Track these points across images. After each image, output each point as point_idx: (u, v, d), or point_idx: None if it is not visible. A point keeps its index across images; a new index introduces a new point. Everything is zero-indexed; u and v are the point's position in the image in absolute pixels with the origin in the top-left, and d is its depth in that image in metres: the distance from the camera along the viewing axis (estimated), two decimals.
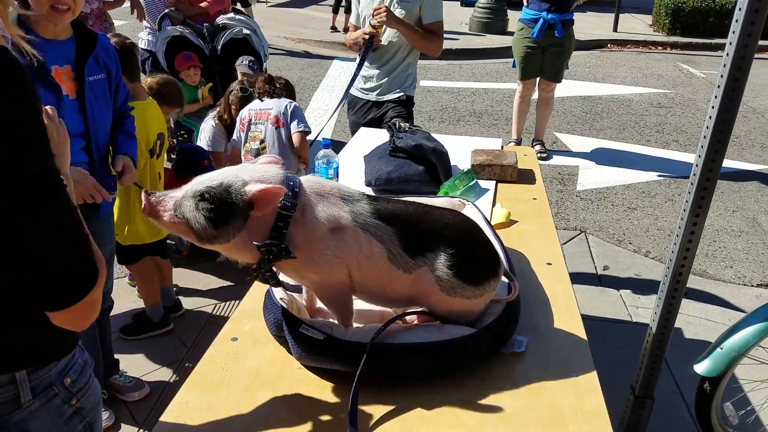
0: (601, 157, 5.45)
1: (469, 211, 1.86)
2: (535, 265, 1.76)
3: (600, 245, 4.01)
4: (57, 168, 0.83)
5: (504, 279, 1.52)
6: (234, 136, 3.43)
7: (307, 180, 1.25)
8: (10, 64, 0.78)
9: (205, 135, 3.62)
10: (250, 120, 3.31)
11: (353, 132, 3.22)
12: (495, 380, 1.30)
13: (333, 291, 1.29)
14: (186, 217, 1.11)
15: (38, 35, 1.92)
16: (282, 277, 1.28)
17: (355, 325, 1.35)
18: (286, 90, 3.42)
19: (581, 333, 1.47)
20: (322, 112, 6.19)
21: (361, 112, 3.25)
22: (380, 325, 1.27)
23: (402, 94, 3.14)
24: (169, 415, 1.19)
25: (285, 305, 1.31)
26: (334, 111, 3.36)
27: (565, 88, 7.18)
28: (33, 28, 1.91)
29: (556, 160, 5.37)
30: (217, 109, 3.67)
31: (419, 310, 1.35)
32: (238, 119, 3.38)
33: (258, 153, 3.26)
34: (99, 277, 0.87)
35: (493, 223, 1.94)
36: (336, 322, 1.34)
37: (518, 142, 5.37)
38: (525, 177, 2.38)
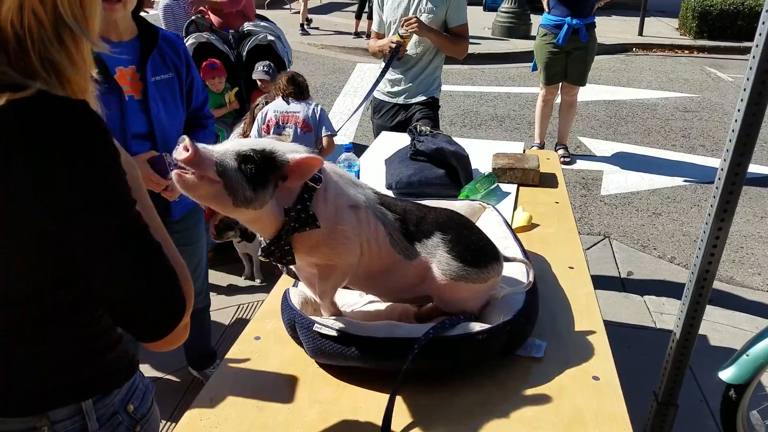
0: (625, 161, 5.40)
1: (489, 215, 1.86)
2: (557, 269, 1.75)
3: (624, 251, 3.97)
4: (138, 212, 0.86)
5: (521, 269, 1.54)
6: (254, 134, 3.35)
7: (326, 163, 1.29)
8: (91, 122, 0.80)
9: (254, 128, 3.52)
10: (277, 123, 3.30)
11: (378, 136, 3.24)
12: (514, 382, 1.30)
13: (336, 273, 1.29)
14: (228, 175, 1.07)
15: (105, 38, 1.91)
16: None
17: (364, 321, 1.37)
18: (307, 90, 3.43)
19: (603, 337, 1.47)
20: (344, 117, 6.23)
21: (388, 116, 3.27)
22: (381, 323, 1.32)
23: (429, 96, 3.16)
24: (192, 413, 1.22)
25: (299, 305, 1.34)
26: (354, 112, 3.37)
27: (589, 93, 7.13)
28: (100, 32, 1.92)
29: (580, 164, 5.33)
30: (242, 125, 3.62)
31: (429, 305, 1.38)
32: (259, 119, 3.33)
33: None
34: (186, 309, 0.88)
35: (514, 226, 1.94)
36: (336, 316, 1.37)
37: (541, 146, 5.36)
38: (547, 181, 2.37)
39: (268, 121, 3.31)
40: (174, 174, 1.06)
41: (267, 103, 3.50)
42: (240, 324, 3.06)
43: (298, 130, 3.28)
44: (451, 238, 1.31)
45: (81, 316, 0.91)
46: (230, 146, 1.12)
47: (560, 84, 5.20)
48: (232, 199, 1.09)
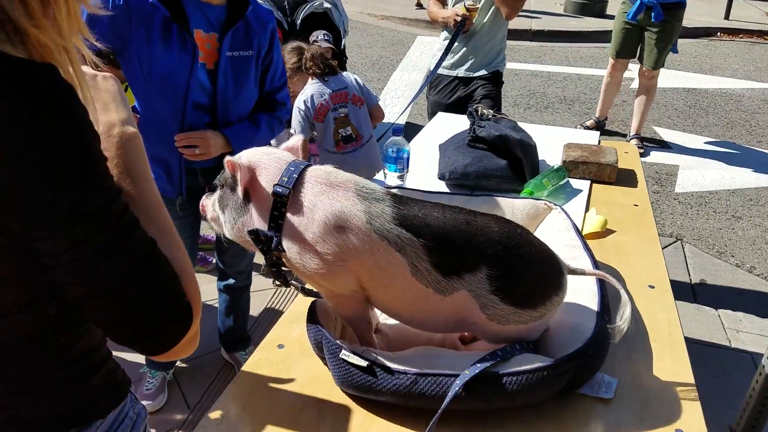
0: (704, 156, 4.96)
1: (555, 217, 1.61)
2: (635, 288, 1.50)
3: (697, 256, 3.62)
4: (125, 202, 0.69)
5: (590, 287, 1.29)
6: (296, 127, 2.93)
7: (316, 168, 1.08)
8: (58, 91, 0.62)
9: (294, 120, 3.16)
10: (329, 108, 2.93)
11: (432, 115, 3.00)
12: (578, 427, 1.08)
13: (344, 300, 1.11)
14: (213, 210, 1.11)
15: None
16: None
17: (396, 352, 1.15)
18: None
19: (689, 378, 1.22)
20: (399, 93, 5.98)
21: (446, 91, 3.00)
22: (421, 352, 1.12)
23: (493, 71, 2.90)
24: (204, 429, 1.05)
25: (326, 325, 1.14)
26: (418, 92, 3.10)
27: (667, 79, 6.63)
28: None
29: (654, 157, 4.93)
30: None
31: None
32: (302, 110, 2.90)
33: (351, 139, 2.93)
34: (192, 318, 0.73)
35: (585, 231, 1.69)
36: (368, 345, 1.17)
37: (598, 123, 5.13)
38: (625, 178, 2.09)
39: (319, 108, 2.91)
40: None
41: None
42: (275, 310, 2.92)
43: (352, 107, 2.97)
44: (502, 275, 1.04)
45: (56, 337, 0.74)
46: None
47: (629, 63, 4.92)
48: (226, 230, 1.12)
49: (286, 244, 1.04)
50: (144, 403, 2.16)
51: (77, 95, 0.63)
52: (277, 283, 1.12)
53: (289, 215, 1.03)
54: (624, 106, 5.89)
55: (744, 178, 4.62)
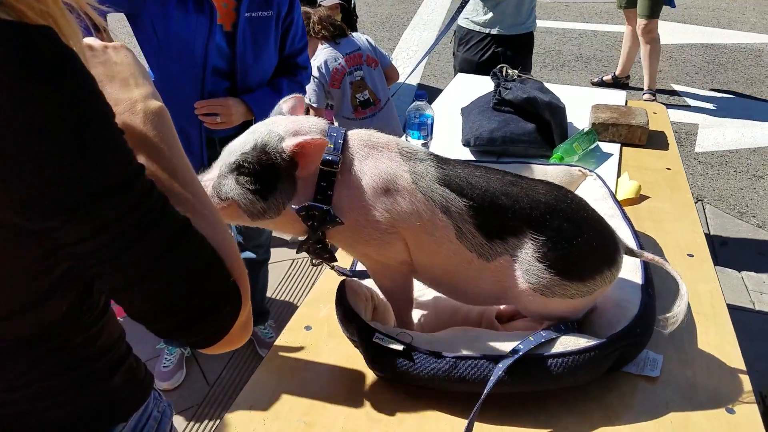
0: (724, 114, 4.82)
1: (591, 184, 1.54)
2: (673, 256, 1.43)
3: (718, 217, 3.54)
4: (150, 180, 0.61)
5: (632, 259, 1.21)
6: (311, 96, 2.76)
7: (357, 132, 1.02)
8: (57, 51, 0.53)
9: (308, 89, 2.98)
10: (345, 71, 2.80)
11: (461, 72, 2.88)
12: (626, 411, 1.03)
13: (390, 273, 1.06)
14: (231, 198, 0.94)
15: None
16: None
17: (432, 333, 1.10)
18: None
19: (737, 354, 1.16)
20: (411, 53, 5.82)
21: (477, 49, 2.86)
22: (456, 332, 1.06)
23: (528, 30, 2.81)
24: (227, 423, 1.01)
25: (356, 307, 1.07)
26: (430, 49, 2.95)
27: (683, 34, 6.43)
28: None
29: (672, 115, 4.75)
30: None
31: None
32: (317, 77, 2.73)
33: (369, 103, 2.82)
34: (242, 302, 0.66)
35: (619, 198, 1.62)
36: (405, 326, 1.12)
37: (615, 78, 5.08)
38: (656, 141, 2.00)
39: (334, 73, 2.77)
40: None
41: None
42: (292, 282, 2.88)
43: (367, 68, 2.84)
44: (547, 240, 0.97)
45: (74, 334, 0.68)
46: (222, 161, 0.97)
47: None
48: (247, 215, 0.96)
49: (341, 217, 0.97)
50: (162, 384, 2.13)
51: (81, 60, 0.55)
52: (316, 262, 1.05)
53: (339, 186, 0.96)
54: (641, 63, 5.72)
55: (765, 136, 4.50)
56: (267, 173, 0.93)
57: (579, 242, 0.99)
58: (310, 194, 0.96)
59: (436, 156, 1.02)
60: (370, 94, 2.82)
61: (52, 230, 0.55)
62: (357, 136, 1.00)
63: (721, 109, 4.92)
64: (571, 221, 1.00)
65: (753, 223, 3.50)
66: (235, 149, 0.95)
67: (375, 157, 0.98)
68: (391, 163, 0.97)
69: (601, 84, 5.18)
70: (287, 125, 0.96)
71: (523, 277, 0.99)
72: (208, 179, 0.96)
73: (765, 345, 2.49)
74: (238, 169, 0.93)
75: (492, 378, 0.95)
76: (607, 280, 1.03)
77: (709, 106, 4.99)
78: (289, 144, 0.92)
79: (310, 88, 2.71)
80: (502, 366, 0.96)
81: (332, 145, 0.96)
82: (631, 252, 1.08)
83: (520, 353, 0.97)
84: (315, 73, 2.72)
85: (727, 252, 3.23)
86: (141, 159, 0.64)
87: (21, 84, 0.50)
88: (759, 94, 5.20)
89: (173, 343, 2.25)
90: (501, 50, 2.78)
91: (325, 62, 2.73)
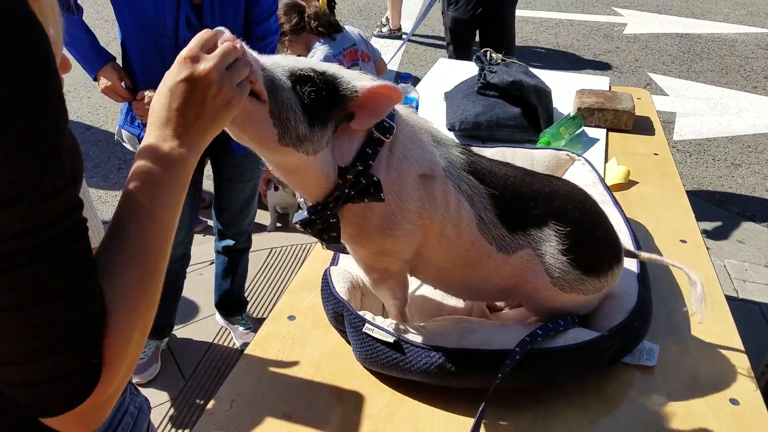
0: (700, 103, 4.85)
1: (579, 169, 1.49)
2: (665, 243, 1.40)
3: (698, 205, 3.53)
4: (79, 199, 0.51)
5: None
6: None
7: (401, 107, 0.92)
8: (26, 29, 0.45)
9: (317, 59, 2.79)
10: (347, 64, 2.67)
11: (453, 33, 2.88)
12: (627, 401, 0.99)
13: (391, 270, 0.96)
14: (278, 96, 0.76)
15: None
16: None
17: (423, 324, 1.03)
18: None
19: (737, 341, 1.13)
20: (390, 42, 5.74)
21: (468, 6, 2.90)
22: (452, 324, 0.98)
23: None
24: (208, 416, 0.94)
25: (345, 291, 1.00)
26: (407, 38, 2.92)
27: (659, 24, 6.46)
28: None
29: None
30: None
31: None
32: None
33: None
34: (99, 382, 0.53)
35: (608, 183, 1.58)
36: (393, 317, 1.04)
37: (390, 31, 5.49)
38: (641, 126, 1.97)
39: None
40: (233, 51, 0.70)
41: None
42: (271, 271, 2.80)
43: (363, 64, 2.73)
44: (571, 232, 0.92)
45: None
46: (282, 60, 0.80)
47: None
48: (278, 133, 0.77)
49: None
50: (135, 377, 2.04)
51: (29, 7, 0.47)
52: (329, 236, 0.90)
53: (380, 159, 0.85)
54: (618, 53, 5.73)
55: (741, 124, 4.53)
56: (325, 104, 0.80)
57: (599, 236, 0.97)
58: (348, 157, 0.84)
59: (456, 142, 0.96)
60: None
61: None
62: (404, 111, 0.91)
63: (698, 98, 4.95)
64: (589, 214, 0.97)
65: (732, 211, 3.52)
66: (303, 61, 0.82)
67: (416, 140, 0.89)
68: (430, 148, 0.89)
69: (381, 36, 5.61)
70: (350, 73, 0.85)
71: (545, 272, 0.94)
72: (263, 60, 0.77)
73: (749, 333, 2.50)
74: (302, 77, 0.79)
75: (500, 375, 0.89)
76: (615, 278, 1.00)
77: (686, 94, 5.01)
78: (365, 85, 0.81)
79: None
80: (509, 363, 0.89)
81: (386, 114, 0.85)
82: (629, 253, 1.06)
83: (527, 349, 0.91)
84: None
85: (708, 241, 3.23)
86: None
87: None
88: (734, 83, 5.24)
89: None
90: (489, 10, 2.86)
91: (325, 59, 2.60)
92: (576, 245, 0.92)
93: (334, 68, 0.83)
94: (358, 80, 0.82)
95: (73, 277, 0.50)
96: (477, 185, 0.90)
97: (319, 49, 2.61)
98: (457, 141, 0.96)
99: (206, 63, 0.63)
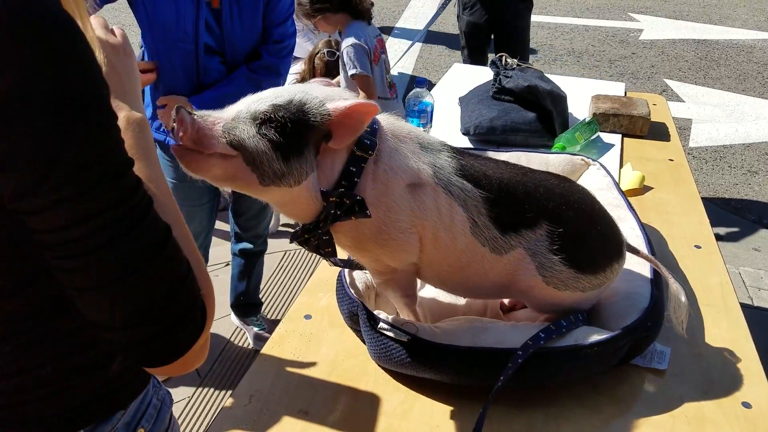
0: (717, 110, 4.82)
1: (594, 174, 1.50)
2: (679, 249, 1.40)
3: (713, 212, 3.52)
4: (137, 177, 0.56)
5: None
6: (354, 63, 2.47)
7: (383, 117, 0.93)
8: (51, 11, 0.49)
9: (347, 57, 2.56)
10: (380, 50, 2.62)
11: (468, 36, 2.91)
12: (640, 403, 1.00)
13: (396, 276, 0.98)
14: (246, 146, 0.79)
15: None
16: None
17: (437, 324, 1.05)
18: None
19: (750, 347, 1.13)
20: (404, 46, 5.77)
21: (485, 10, 2.95)
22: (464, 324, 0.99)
23: None
24: (226, 412, 0.96)
25: (358, 295, 1.03)
26: (416, 38, 2.95)
27: (676, 30, 6.43)
28: None
29: None
30: (298, 73, 3.06)
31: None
32: (360, 41, 2.47)
33: (392, 87, 2.72)
34: (206, 321, 0.61)
35: (623, 188, 1.58)
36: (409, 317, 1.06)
37: None
38: (657, 132, 1.97)
39: (375, 49, 2.56)
40: (174, 150, 0.79)
41: (329, 51, 2.87)
42: (286, 273, 2.83)
43: (383, 56, 2.70)
44: (564, 232, 0.93)
45: (66, 320, 0.63)
46: (243, 106, 0.83)
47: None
48: (258, 176, 0.81)
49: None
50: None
51: (77, 24, 0.50)
52: (325, 251, 0.93)
53: (366, 173, 0.86)
54: (634, 58, 5.72)
55: (759, 132, 4.50)
56: (295, 135, 0.80)
57: (593, 234, 0.97)
58: (331, 178, 0.85)
59: (450, 146, 0.96)
60: (390, 78, 2.75)
61: (27, 211, 0.50)
62: (386, 122, 0.92)
63: (714, 105, 4.92)
64: (584, 213, 0.97)
65: (749, 219, 3.49)
66: (263, 98, 0.83)
67: (401, 150, 0.89)
68: (415, 156, 0.90)
69: None
70: (324, 92, 0.85)
71: (537, 271, 0.95)
72: (217, 118, 0.81)
73: (763, 340, 2.48)
74: (266, 120, 0.80)
75: (505, 373, 0.91)
76: (615, 273, 1.01)
77: (703, 101, 4.98)
78: (339, 105, 0.81)
79: (351, 55, 2.47)
80: (512, 364, 0.91)
81: (368, 128, 0.86)
82: (631, 248, 1.06)
83: (532, 349, 0.93)
84: (359, 40, 2.47)
85: (723, 248, 3.20)
86: None
87: (6, 43, 0.45)
88: (752, 90, 5.21)
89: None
90: (505, 15, 2.92)
91: (366, 34, 2.53)
92: (569, 244, 0.93)
93: (300, 93, 0.83)
94: (330, 101, 0.83)
95: (158, 237, 0.56)
96: (470, 189, 0.91)
97: (358, 29, 2.50)
98: (447, 144, 0.96)
99: None
